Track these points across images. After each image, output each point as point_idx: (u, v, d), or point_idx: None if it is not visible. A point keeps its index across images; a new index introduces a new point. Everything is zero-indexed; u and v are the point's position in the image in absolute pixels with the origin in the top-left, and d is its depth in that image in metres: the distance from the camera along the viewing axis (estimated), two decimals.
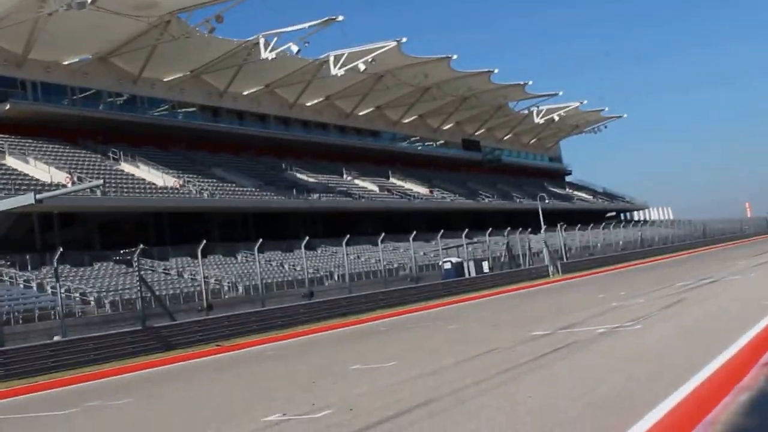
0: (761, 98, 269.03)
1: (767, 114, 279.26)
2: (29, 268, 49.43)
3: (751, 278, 36.31)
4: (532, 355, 17.38)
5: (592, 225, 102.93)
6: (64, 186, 53.97)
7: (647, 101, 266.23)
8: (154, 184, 64.72)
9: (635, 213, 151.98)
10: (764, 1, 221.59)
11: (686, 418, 9.75)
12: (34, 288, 47.08)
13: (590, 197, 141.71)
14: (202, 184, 67.56)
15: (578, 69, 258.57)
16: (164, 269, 56.45)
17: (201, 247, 47.16)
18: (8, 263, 49.07)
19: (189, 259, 57.46)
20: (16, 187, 52.66)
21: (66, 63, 67.56)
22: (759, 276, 37.42)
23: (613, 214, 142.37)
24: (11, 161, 58.45)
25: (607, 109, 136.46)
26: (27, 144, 62.13)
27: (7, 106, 61.82)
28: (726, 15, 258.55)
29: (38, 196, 37.30)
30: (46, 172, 57.55)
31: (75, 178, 56.97)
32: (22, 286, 47.33)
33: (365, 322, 42.55)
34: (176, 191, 64.79)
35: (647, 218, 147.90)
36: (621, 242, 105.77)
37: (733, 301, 25.98)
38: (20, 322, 41.54)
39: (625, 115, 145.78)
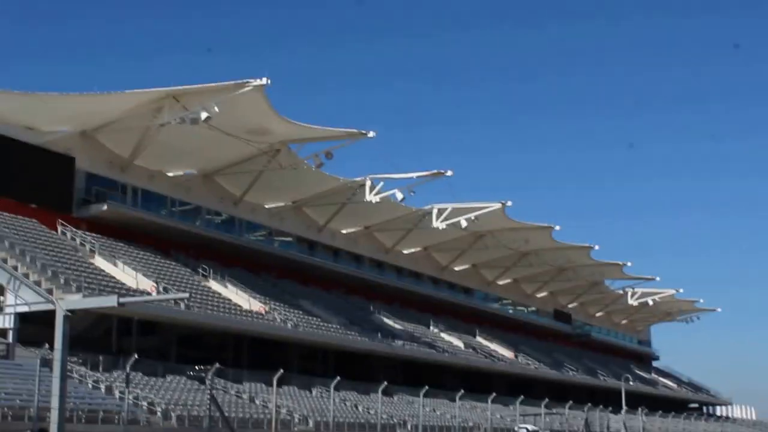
0: None
1: None
2: (101, 369, 48.15)
3: None
4: None
5: (673, 413, 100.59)
6: (149, 294, 52.77)
7: (743, 293, 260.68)
8: (239, 306, 63.21)
9: (718, 408, 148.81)
10: None
11: None
12: (102, 390, 45.77)
13: (674, 385, 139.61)
14: (288, 313, 65.94)
15: (678, 254, 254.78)
16: (237, 392, 54.74)
17: (278, 375, 45.48)
18: (80, 361, 47.58)
19: (263, 385, 55.90)
20: (101, 287, 51.27)
21: (170, 174, 67.21)
22: None
23: (696, 405, 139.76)
24: (99, 261, 57.35)
25: (702, 300, 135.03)
26: (118, 247, 61.19)
27: (104, 207, 60.74)
28: None
29: (121, 300, 35.86)
30: (132, 278, 56.28)
31: (161, 288, 55.65)
32: (90, 386, 45.93)
33: None
34: (261, 316, 63.28)
35: (730, 414, 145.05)
36: None
37: None
38: (83, 421, 40.12)
39: (719, 309, 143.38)
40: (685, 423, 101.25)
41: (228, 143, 62.11)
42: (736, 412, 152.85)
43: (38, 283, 48.93)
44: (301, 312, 69.21)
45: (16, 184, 56.30)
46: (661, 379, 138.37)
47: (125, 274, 56.71)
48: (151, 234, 65.15)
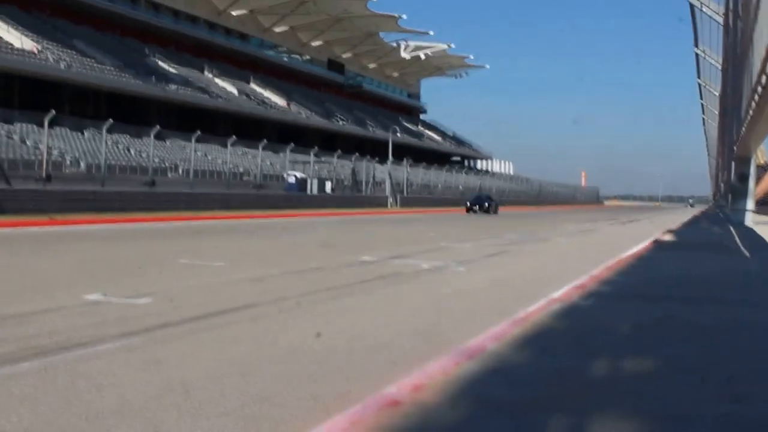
0: (631, 75, 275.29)
1: (620, 95, 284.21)
2: None
3: (575, 242, 36.50)
4: (356, 279, 17.19)
5: (436, 165, 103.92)
6: None
7: (512, 58, 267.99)
8: (10, 44, 61.21)
9: (479, 162, 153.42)
10: None
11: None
12: None
13: (439, 138, 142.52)
14: (61, 53, 64.32)
15: (453, 12, 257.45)
16: (7, 133, 53.40)
17: (49, 116, 44.23)
18: None
19: (35, 126, 54.39)
20: None
21: None
22: (582, 240, 37.85)
23: (459, 158, 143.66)
24: None
25: (472, 57, 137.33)
26: None
27: None
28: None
29: None
30: None
31: None
32: None
33: (202, 219, 41.35)
34: (33, 55, 61.33)
35: (489, 169, 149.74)
36: (461, 187, 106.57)
37: (556, 259, 26.33)
38: None
39: (488, 66, 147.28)
40: (446, 175, 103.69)
41: None
42: (496, 166, 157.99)
43: None
44: (74, 52, 67.50)
45: None
46: (427, 132, 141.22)
47: None
48: None
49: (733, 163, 67.53)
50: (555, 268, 23.09)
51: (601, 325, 12.83)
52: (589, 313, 14.09)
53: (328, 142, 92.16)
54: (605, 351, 10.64)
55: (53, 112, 45.16)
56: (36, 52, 62.20)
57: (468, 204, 75.23)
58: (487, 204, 74.54)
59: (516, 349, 10.27)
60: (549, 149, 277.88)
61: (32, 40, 63.21)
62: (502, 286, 18.07)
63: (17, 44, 61.66)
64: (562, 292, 16.14)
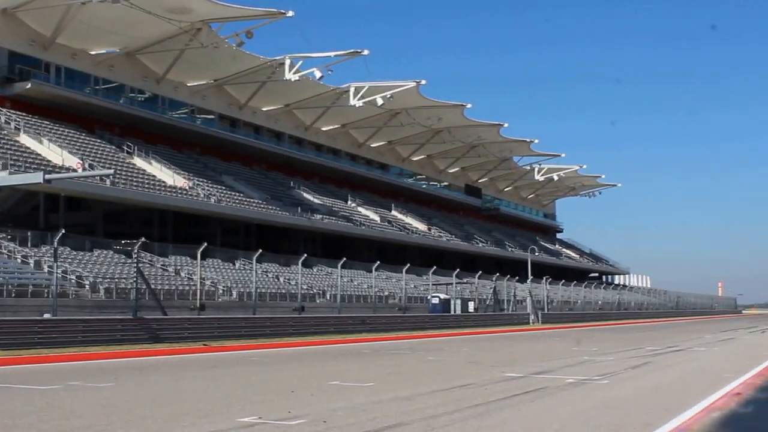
0: (755, 192, 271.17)
1: (755, 206, 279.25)
2: (29, 244, 47.14)
3: (715, 351, 35.87)
4: (503, 395, 17.23)
5: (575, 282, 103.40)
6: (75, 170, 51.38)
7: (644, 175, 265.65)
8: (164, 182, 62.07)
9: (616, 277, 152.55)
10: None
11: None
12: (31, 265, 44.97)
13: (577, 256, 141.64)
14: (211, 189, 64.93)
15: (583, 136, 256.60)
16: (162, 265, 54.08)
17: (201, 249, 45.35)
18: (8, 237, 46.50)
19: (188, 259, 55.31)
20: (27, 164, 49.89)
21: (93, 53, 65.18)
22: (722, 350, 37.16)
23: (596, 275, 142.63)
24: (25, 139, 55.75)
25: (604, 176, 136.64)
26: (43, 125, 59.40)
27: (28, 86, 59.10)
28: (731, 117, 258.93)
29: (47, 176, 36.09)
30: (58, 155, 54.86)
31: (86, 165, 54.25)
32: (19, 260, 45.09)
33: (350, 342, 41.71)
34: (185, 192, 62.17)
35: (627, 283, 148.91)
36: (600, 302, 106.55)
37: (696, 370, 26.00)
38: (12, 295, 39.92)
39: (620, 185, 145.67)
40: (585, 291, 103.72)
41: (149, 21, 60.37)
42: (633, 280, 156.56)
43: None
44: (223, 187, 68.32)
45: None
46: (565, 250, 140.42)
47: (51, 152, 55.24)
48: (76, 112, 63.45)
49: None
50: (699, 377, 22.93)
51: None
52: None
53: (469, 264, 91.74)
54: None
55: (205, 244, 45.87)
56: (187, 188, 62.94)
57: None
58: None
59: None
60: (685, 261, 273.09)
61: (183, 177, 64.01)
62: (649, 396, 17.85)
63: (169, 182, 62.50)
64: (718, 401, 16.16)
